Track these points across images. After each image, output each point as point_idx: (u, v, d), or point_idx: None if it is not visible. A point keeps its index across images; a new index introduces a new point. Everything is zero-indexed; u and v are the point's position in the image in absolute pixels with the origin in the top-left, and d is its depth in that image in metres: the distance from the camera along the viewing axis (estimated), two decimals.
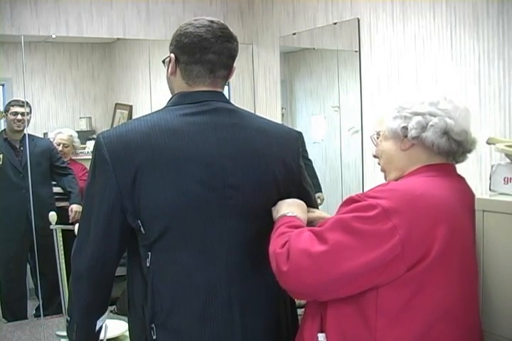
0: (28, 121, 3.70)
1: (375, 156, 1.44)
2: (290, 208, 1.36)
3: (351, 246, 1.17)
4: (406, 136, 1.33)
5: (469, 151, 1.39)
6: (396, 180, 1.36)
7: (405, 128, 1.32)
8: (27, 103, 3.67)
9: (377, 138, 1.41)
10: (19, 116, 3.64)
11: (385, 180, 1.41)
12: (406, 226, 1.17)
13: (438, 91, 1.42)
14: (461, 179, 1.39)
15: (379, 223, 1.17)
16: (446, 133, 1.31)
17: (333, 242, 1.18)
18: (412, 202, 1.20)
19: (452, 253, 1.22)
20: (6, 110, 3.67)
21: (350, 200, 1.25)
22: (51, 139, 3.96)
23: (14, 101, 3.71)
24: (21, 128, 3.67)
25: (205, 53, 1.34)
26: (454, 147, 1.34)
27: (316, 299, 1.24)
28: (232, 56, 1.38)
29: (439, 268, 1.19)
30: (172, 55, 1.37)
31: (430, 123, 1.30)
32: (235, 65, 1.42)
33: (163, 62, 1.44)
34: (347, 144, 3.52)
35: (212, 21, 1.36)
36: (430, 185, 1.27)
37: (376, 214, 1.17)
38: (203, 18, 1.38)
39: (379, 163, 1.43)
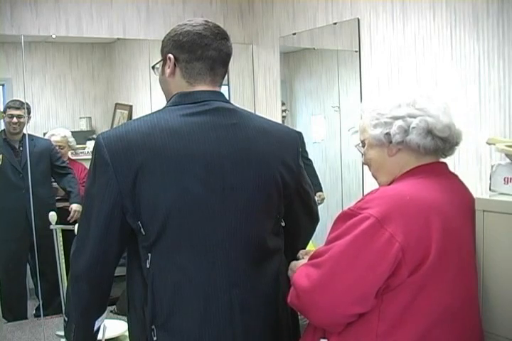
0: (28, 121, 3.69)
1: (364, 164, 1.43)
2: None
3: (358, 269, 1.17)
4: (391, 142, 1.32)
5: (457, 144, 1.37)
6: (389, 184, 1.36)
7: (388, 134, 1.31)
8: (26, 104, 3.66)
9: (363, 146, 1.40)
10: (14, 119, 3.62)
11: (378, 185, 1.41)
12: (401, 231, 1.16)
13: (410, 89, 1.40)
14: (454, 177, 1.39)
15: (376, 235, 1.17)
16: (429, 132, 1.30)
17: (338, 271, 1.18)
18: (403, 207, 1.20)
19: (449, 254, 1.21)
20: (5, 111, 3.66)
21: (345, 216, 1.25)
22: None
23: (11, 102, 3.69)
24: (17, 131, 3.66)
25: (207, 50, 1.34)
26: (440, 144, 1.32)
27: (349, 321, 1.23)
28: (229, 54, 1.40)
29: (437, 269, 1.19)
30: (170, 56, 1.37)
31: (412, 125, 1.29)
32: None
33: (153, 67, 1.45)
34: (347, 144, 3.52)
35: (206, 21, 1.39)
36: (419, 188, 1.26)
37: (371, 226, 1.17)
38: (195, 18, 1.41)
39: (370, 170, 1.43)
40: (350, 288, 1.17)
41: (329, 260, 1.19)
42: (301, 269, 1.27)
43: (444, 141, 1.33)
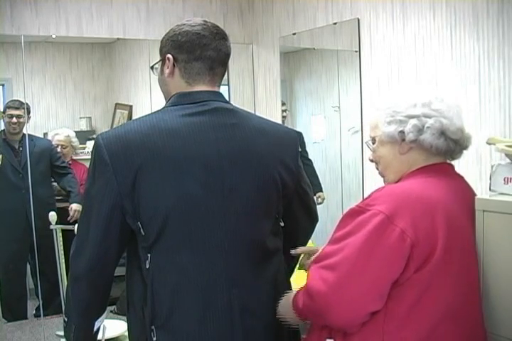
0: (28, 121, 3.68)
1: (371, 161, 1.43)
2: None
3: (374, 268, 1.17)
4: (404, 140, 1.32)
5: (466, 148, 1.39)
6: (396, 182, 1.36)
7: (402, 132, 1.32)
8: (26, 104, 3.66)
9: (373, 143, 1.40)
10: (14, 119, 3.62)
11: (384, 183, 1.41)
12: (411, 227, 1.17)
13: (426, 90, 1.40)
14: (459, 178, 1.40)
15: (386, 232, 1.17)
16: (443, 133, 1.31)
17: (355, 272, 1.17)
18: (410, 204, 1.21)
19: (453, 252, 1.22)
20: (4, 111, 3.66)
21: (352, 212, 1.25)
22: None
23: (11, 102, 3.69)
24: (17, 131, 3.66)
25: (206, 50, 1.34)
26: (452, 146, 1.34)
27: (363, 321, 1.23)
28: (228, 54, 1.39)
29: (441, 267, 1.20)
30: (169, 56, 1.37)
31: (426, 125, 1.30)
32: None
33: (152, 68, 1.45)
34: (347, 144, 3.52)
35: (205, 21, 1.38)
36: (426, 187, 1.27)
37: (381, 223, 1.18)
38: (194, 18, 1.41)
39: (377, 168, 1.42)
40: (368, 288, 1.17)
41: (344, 262, 1.18)
42: (313, 273, 1.24)
43: (456, 143, 1.34)
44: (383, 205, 1.20)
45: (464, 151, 1.41)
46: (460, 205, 1.30)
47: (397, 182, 1.36)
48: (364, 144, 3.15)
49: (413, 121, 1.31)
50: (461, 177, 1.41)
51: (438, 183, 1.30)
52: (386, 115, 1.35)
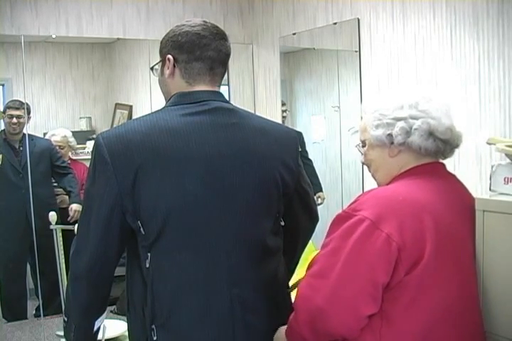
0: (28, 121, 3.69)
1: (363, 163, 1.43)
2: None
3: (363, 274, 1.17)
4: (392, 143, 1.32)
5: (457, 147, 1.38)
6: (387, 184, 1.36)
7: (390, 135, 1.31)
8: (26, 104, 3.66)
9: (363, 146, 1.40)
10: (14, 120, 3.62)
11: (378, 185, 1.41)
12: (397, 231, 1.17)
13: (413, 90, 1.39)
14: (451, 178, 1.39)
15: (372, 237, 1.17)
16: (431, 134, 1.30)
17: (345, 280, 1.17)
18: (396, 207, 1.20)
19: (445, 254, 1.22)
20: (4, 111, 3.66)
21: (340, 218, 1.25)
22: None
23: (11, 102, 3.69)
24: (17, 131, 3.66)
25: (206, 50, 1.34)
26: (441, 146, 1.33)
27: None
28: (228, 54, 1.40)
29: (434, 269, 1.19)
30: (169, 56, 1.37)
31: (414, 126, 1.29)
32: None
33: (152, 69, 1.45)
34: (347, 144, 3.52)
35: (205, 21, 1.39)
36: (413, 189, 1.27)
37: (367, 229, 1.18)
38: (193, 19, 1.41)
39: (369, 171, 1.42)
40: (359, 291, 1.17)
41: (333, 269, 1.18)
42: (305, 283, 1.23)
43: (445, 143, 1.33)
44: (369, 210, 1.20)
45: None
46: (450, 205, 1.29)
47: (388, 184, 1.36)
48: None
49: (400, 124, 1.29)
50: (454, 176, 1.40)
51: (425, 185, 1.29)
52: (374, 118, 1.33)
